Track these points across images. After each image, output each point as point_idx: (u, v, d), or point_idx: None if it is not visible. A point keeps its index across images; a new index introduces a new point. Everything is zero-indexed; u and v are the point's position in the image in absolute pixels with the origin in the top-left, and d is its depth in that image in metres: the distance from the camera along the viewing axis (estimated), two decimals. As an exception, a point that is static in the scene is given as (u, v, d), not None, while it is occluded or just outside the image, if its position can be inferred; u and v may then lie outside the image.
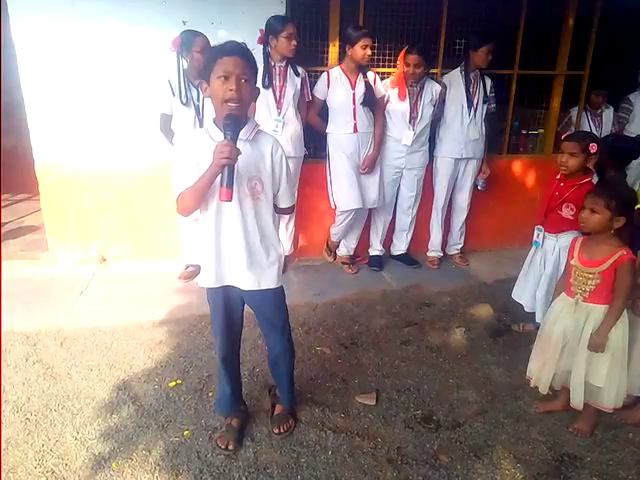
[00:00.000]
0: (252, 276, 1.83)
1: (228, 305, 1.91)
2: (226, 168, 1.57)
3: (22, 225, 4.49)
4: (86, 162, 3.53)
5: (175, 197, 1.74)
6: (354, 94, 3.37)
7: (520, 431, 2.19)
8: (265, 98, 3.28)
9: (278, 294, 1.94)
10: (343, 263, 3.83)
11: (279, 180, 1.82)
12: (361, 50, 3.25)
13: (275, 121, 3.30)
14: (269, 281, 1.87)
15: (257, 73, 1.74)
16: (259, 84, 3.24)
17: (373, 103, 3.42)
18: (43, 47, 3.27)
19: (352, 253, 3.87)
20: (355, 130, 3.42)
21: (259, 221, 1.79)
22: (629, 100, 3.99)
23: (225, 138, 1.59)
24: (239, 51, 1.63)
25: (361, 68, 3.36)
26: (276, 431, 2.11)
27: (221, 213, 1.74)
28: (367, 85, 3.37)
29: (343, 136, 3.44)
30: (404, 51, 3.39)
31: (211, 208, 1.73)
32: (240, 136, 1.65)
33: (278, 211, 1.90)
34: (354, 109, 3.39)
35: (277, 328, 1.99)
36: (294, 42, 3.17)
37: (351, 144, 3.45)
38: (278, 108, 3.31)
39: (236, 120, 1.61)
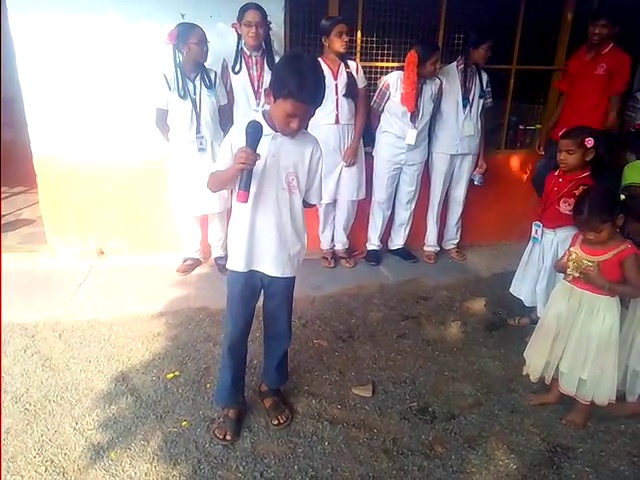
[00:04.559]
0: (279, 264, 1.94)
1: (246, 292, 1.99)
2: (244, 172, 1.68)
3: (19, 218, 4.49)
4: (84, 155, 3.53)
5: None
6: (336, 85, 3.34)
7: (514, 423, 2.22)
8: (243, 88, 3.28)
9: (293, 282, 2.07)
10: (340, 257, 3.85)
11: (313, 179, 1.94)
12: (337, 38, 3.23)
13: (254, 112, 3.26)
14: (292, 270, 1.99)
15: None
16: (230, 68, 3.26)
17: (355, 94, 3.41)
18: (41, 40, 3.26)
19: (347, 247, 3.88)
20: (337, 121, 3.41)
21: (292, 213, 1.90)
22: (636, 98, 3.95)
23: (246, 144, 1.67)
24: (313, 100, 1.68)
25: (342, 58, 3.34)
26: (275, 422, 2.14)
27: (257, 203, 1.84)
28: (349, 76, 3.35)
29: (325, 127, 3.39)
30: (414, 54, 3.31)
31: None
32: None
33: (305, 205, 2.01)
34: (336, 99, 3.36)
35: (286, 313, 2.10)
36: (253, 29, 3.10)
37: (333, 136, 3.41)
38: (257, 98, 3.28)
39: (259, 129, 1.68)
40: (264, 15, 3.14)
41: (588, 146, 2.41)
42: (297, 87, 1.62)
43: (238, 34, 3.21)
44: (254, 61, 3.27)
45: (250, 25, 3.10)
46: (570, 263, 2.08)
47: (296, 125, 1.71)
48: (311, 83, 1.65)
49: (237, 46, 3.24)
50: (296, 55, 1.86)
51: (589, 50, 3.55)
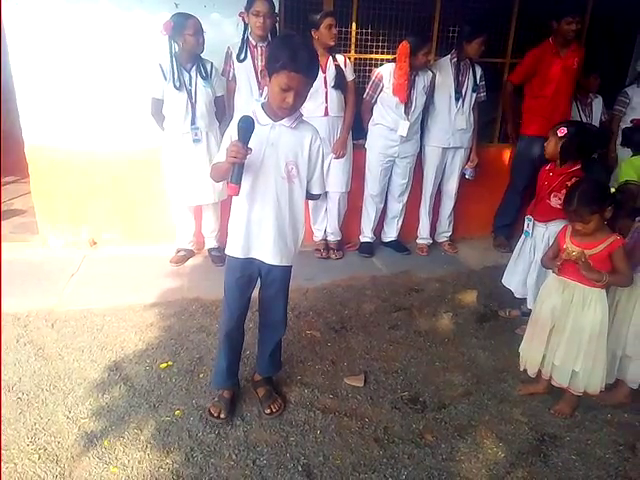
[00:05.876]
0: (277, 252, 1.95)
1: (243, 280, 2.00)
2: (235, 166, 1.70)
3: (10, 208, 4.46)
4: (77, 145, 3.50)
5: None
6: (325, 77, 3.34)
7: (503, 412, 2.25)
8: (247, 77, 3.28)
9: (290, 272, 2.08)
10: (330, 249, 3.84)
11: (314, 168, 1.95)
12: (326, 31, 3.22)
13: (256, 102, 3.27)
14: (289, 259, 2.00)
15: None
16: (234, 57, 3.26)
17: (344, 86, 3.42)
18: (33, 28, 3.22)
19: (340, 238, 3.88)
20: (326, 113, 3.41)
21: (291, 202, 1.91)
22: (626, 93, 3.97)
23: (238, 139, 1.70)
24: (307, 70, 1.70)
25: (330, 51, 3.34)
26: (267, 411, 2.16)
27: (256, 191, 1.85)
28: (337, 68, 3.36)
29: (314, 120, 3.32)
30: (406, 44, 3.30)
31: (246, 184, 1.81)
32: (283, 122, 1.81)
33: (309, 197, 2.02)
34: (326, 92, 3.37)
35: (282, 302, 2.11)
36: (260, 20, 3.09)
37: (323, 128, 3.37)
38: (260, 89, 3.28)
39: (250, 123, 1.70)
40: (272, 6, 3.14)
41: (559, 135, 2.49)
42: (290, 57, 1.67)
43: (245, 23, 3.21)
44: (259, 51, 3.25)
45: (258, 15, 3.10)
46: (573, 254, 2.04)
47: (291, 99, 1.71)
48: (303, 53, 1.69)
49: (243, 35, 3.23)
50: (287, 34, 1.89)
51: (561, 46, 3.61)
